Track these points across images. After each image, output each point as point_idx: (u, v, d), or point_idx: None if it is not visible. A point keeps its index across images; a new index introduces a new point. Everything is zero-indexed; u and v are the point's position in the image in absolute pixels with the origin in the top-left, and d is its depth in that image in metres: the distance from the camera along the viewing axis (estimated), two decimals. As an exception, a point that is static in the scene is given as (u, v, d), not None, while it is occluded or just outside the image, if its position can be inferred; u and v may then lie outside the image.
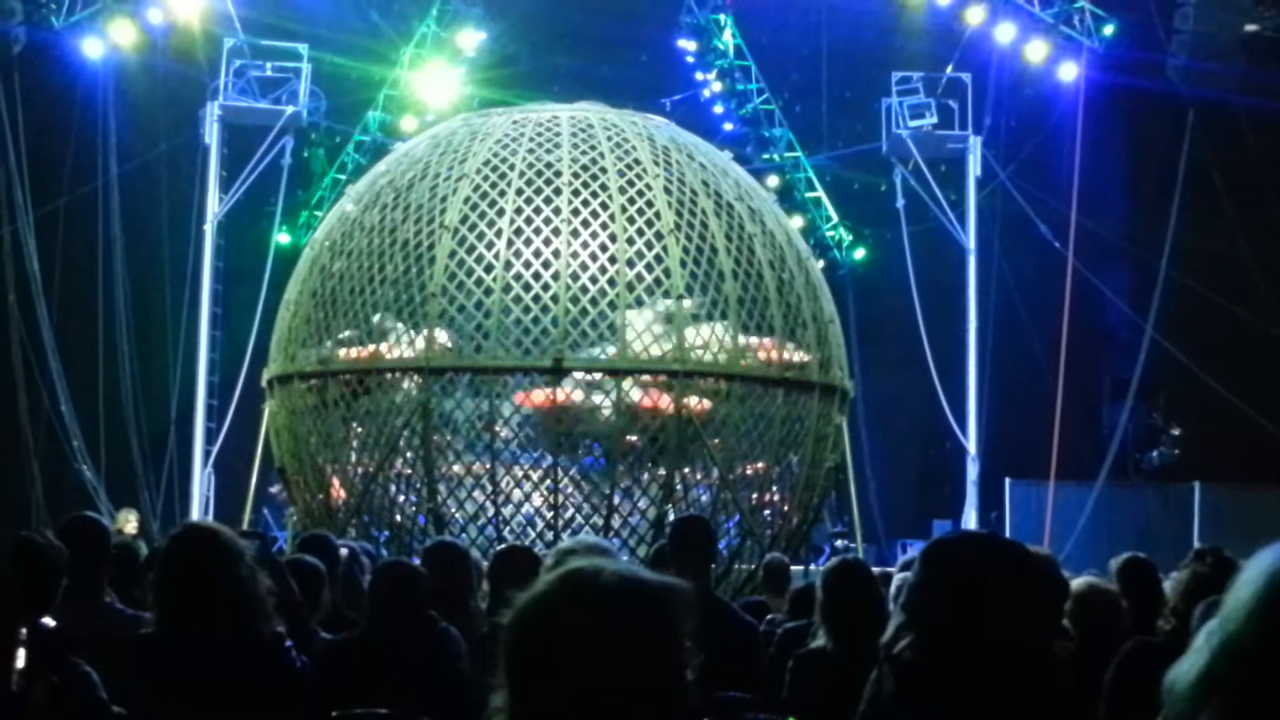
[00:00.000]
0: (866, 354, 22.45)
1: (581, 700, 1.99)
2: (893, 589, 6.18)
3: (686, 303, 12.08)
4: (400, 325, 12.23)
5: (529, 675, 2.04)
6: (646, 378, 12.18)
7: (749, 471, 12.91)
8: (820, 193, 25.77)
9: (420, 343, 12.01)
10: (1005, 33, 22.33)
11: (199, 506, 21.02)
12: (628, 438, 12.42)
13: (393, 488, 12.70)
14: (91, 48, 20.96)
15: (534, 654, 2.04)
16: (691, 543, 6.28)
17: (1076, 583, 6.28)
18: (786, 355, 12.48)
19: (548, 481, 12.16)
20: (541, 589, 2.09)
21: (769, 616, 7.75)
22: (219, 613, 4.43)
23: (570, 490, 12.31)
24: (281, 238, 22.96)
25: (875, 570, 6.50)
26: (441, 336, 12.04)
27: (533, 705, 2.02)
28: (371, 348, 12.26)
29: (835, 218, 25.82)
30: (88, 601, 5.54)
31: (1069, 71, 22.22)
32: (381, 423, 12.35)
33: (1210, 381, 19.41)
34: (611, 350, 12.05)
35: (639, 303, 12.04)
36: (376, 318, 12.22)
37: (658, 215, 12.14)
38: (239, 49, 22.22)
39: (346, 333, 12.41)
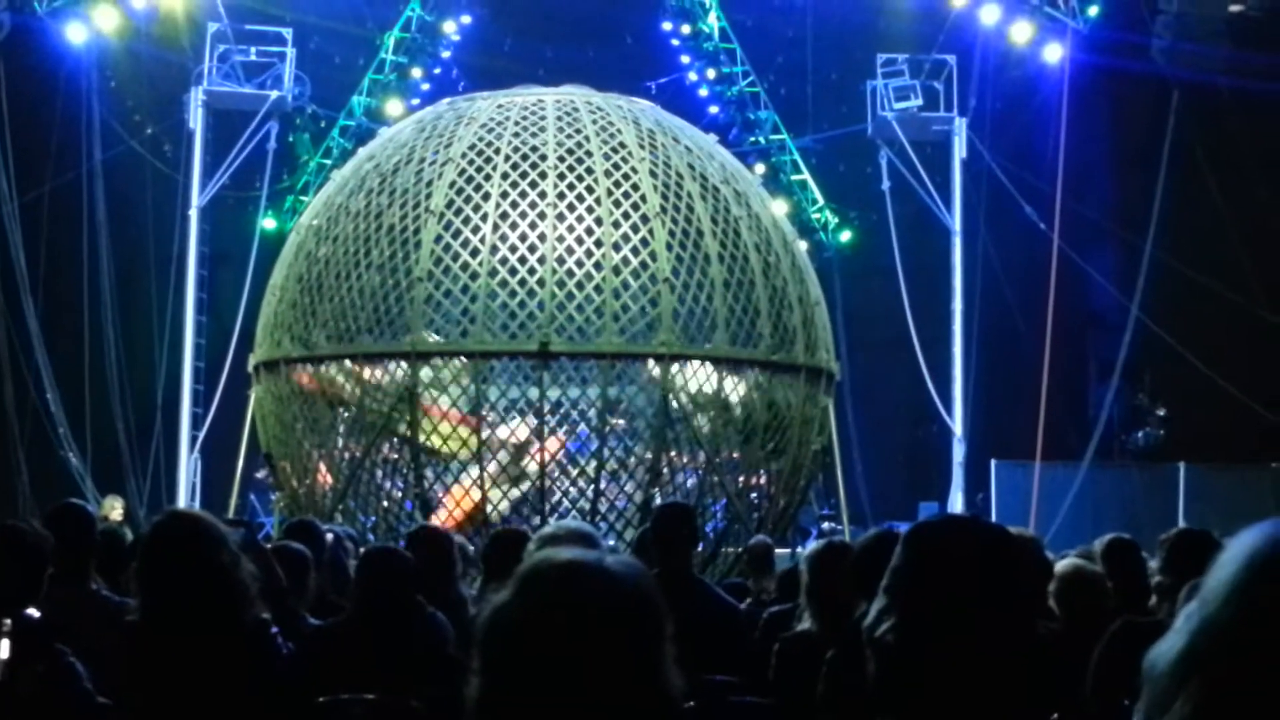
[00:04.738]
0: (852, 336, 22.47)
1: (533, 681, 2.04)
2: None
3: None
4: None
5: (489, 661, 2.08)
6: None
7: (735, 454, 12.92)
8: (806, 175, 25.77)
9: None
10: (990, 14, 22.32)
11: (185, 492, 21.01)
12: (613, 420, 12.44)
13: (379, 473, 12.70)
14: (75, 33, 20.87)
15: (493, 640, 2.09)
16: (671, 530, 6.29)
17: (1062, 564, 6.30)
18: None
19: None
20: (507, 590, 2.14)
21: (750, 600, 7.75)
22: (202, 599, 4.43)
23: (557, 474, 12.32)
24: (267, 223, 22.93)
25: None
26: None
27: (495, 688, 2.06)
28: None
29: (821, 200, 25.82)
30: (74, 588, 5.54)
31: (1054, 53, 22.20)
32: (368, 408, 12.34)
33: (1195, 362, 19.45)
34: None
35: (625, 287, 12.03)
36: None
37: (643, 199, 12.13)
38: (223, 34, 22.15)
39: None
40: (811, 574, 5.57)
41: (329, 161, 23.27)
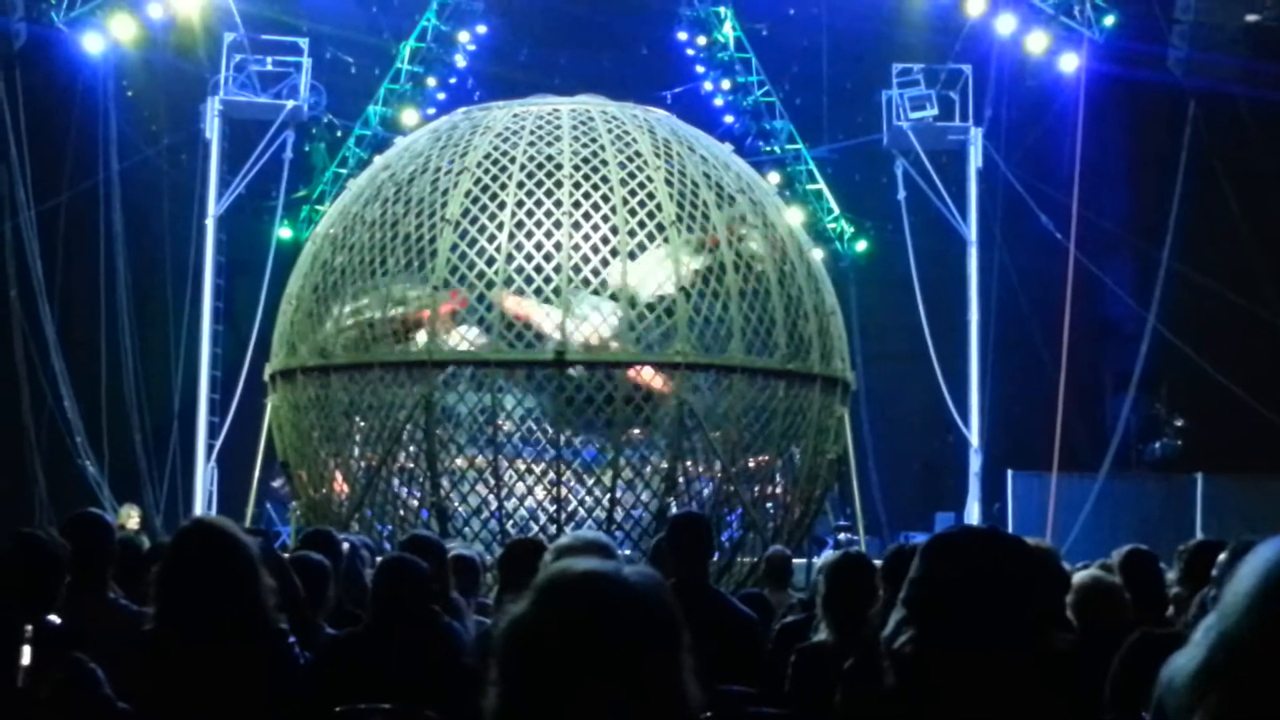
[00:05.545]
0: (868, 346, 22.45)
1: (550, 692, 2.04)
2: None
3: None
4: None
5: (506, 672, 2.09)
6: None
7: (751, 464, 12.91)
8: (821, 185, 25.77)
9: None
10: (1006, 24, 22.28)
11: (202, 501, 21.04)
12: (630, 429, 12.44)
13: (395, 482, 12.71)
14: (92, 43, 20.93)
15: (510, 651, 2.10)
16: (687, 540, 6.27)
17: (1080, 575, 6.27)
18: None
19: (550, 475, 12.17)
20: (525, 601, 2.15)
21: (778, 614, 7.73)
22: (222, 608, 4.43)
23: (573, 483, 12.32)
24: (283, 232, 23.00)
25: (878, 563, 6.50)
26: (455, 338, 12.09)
27: (512, 699, 2.07)
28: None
29: (836, 210, 25.82)
30: (91, 597, 5.54)
31: (1070, 63, 22.16)
32: (384, 416, 12.36)
33: (1212, 372, 19.39)
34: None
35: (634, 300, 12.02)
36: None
37: (659, 208, 12.14)
38: (239, 43, 22.21)
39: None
40: (828, 585, 5.56)
41: (345, 171, 23.33)
